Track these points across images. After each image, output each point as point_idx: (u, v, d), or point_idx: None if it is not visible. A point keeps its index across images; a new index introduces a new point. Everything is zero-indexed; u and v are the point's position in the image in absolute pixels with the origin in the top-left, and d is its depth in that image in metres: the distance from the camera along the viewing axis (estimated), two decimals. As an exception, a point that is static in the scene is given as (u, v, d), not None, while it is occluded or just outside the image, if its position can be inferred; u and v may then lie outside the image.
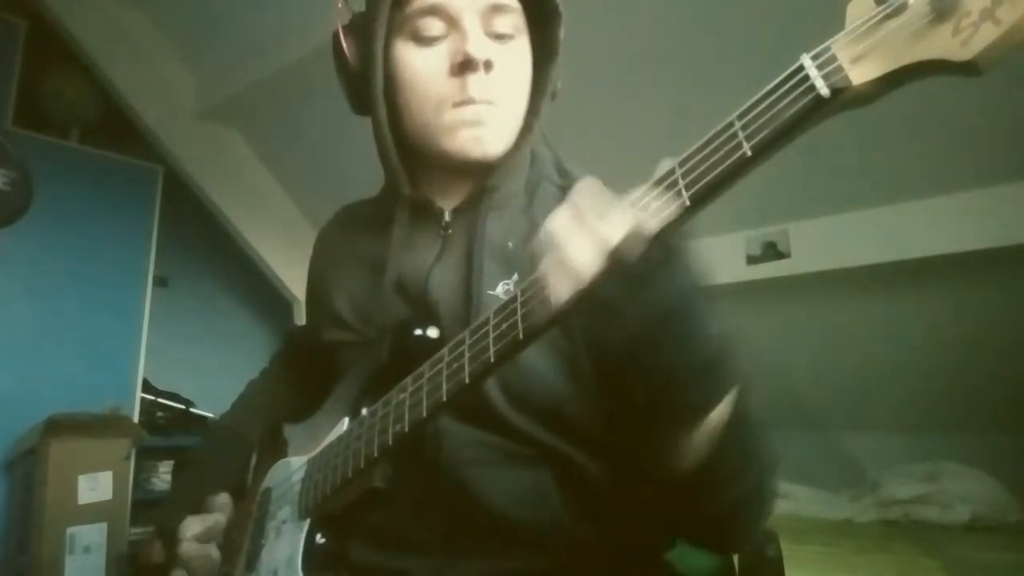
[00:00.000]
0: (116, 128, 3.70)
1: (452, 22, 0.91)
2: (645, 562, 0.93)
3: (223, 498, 1.07)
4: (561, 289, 0.62)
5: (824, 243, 2.76)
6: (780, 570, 1.22)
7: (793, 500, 3.09)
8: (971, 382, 2.91)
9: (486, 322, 0.72)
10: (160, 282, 3.83)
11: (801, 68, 0.54)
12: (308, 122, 3.48)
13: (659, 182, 0.62)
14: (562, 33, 0.98)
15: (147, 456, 3.47)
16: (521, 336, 0.68)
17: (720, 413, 0.70)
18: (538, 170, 1.03)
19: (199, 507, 1.06)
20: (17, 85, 3.33)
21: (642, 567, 0.88)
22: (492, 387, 0.86)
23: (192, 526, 1.02)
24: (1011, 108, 2.12)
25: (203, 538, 1.02)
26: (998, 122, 2.21)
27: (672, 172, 0.61)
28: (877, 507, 2.91)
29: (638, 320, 0.63)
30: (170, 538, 1.03)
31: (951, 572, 2.12)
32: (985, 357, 2.82)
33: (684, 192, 0.59)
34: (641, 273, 0.61)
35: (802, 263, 2.81)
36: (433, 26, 0.91)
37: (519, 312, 0.68)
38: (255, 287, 4.38)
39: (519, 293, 0.69)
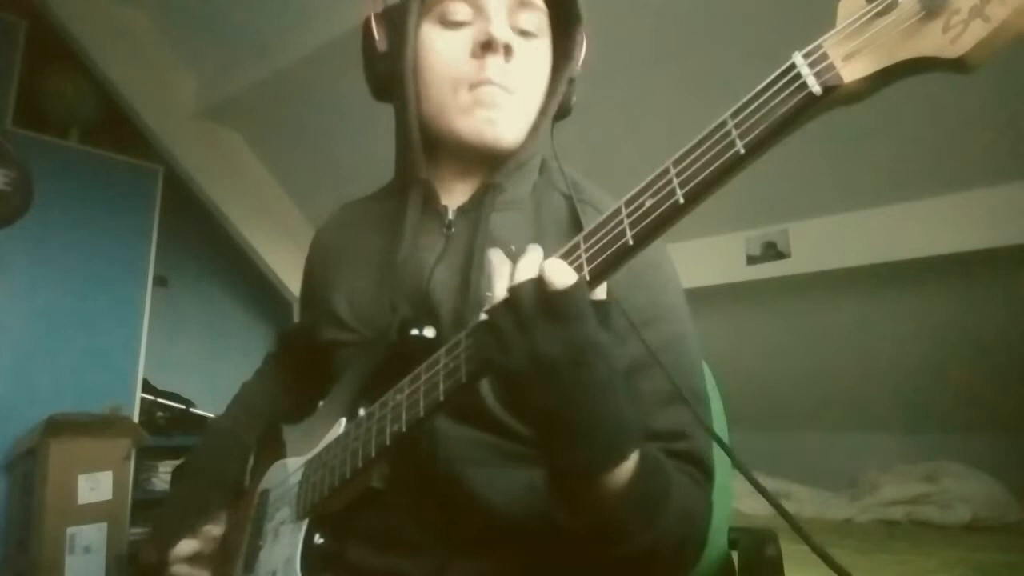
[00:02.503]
0: (116, 128, 3.71)
1: (479, 8, 0.92)
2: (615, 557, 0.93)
3: (216, 514, 1.07)
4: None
5: (824, 243, 2.76)
6: (780, 570, 1.22)
7: (793, 500, 3.09)
8: (971, 382, 2.91)
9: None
10: (160, 282, 3.83)
11: (793, 66, 0.54)
12: (308, 122, 3.48)
13: (654, 181, 0.62)
14: (583, 40, 0.99)
15: (147, 456, 3.47)
16: None
17: (624, 469, 0.70)
18: (547, 179, 1.03)
19: (194, 521, 1.06)
20: (17, 85, 3.33)
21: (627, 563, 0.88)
22: (485, 387, 0.86)
23: (186, 546, 1.02)
24: (1011, 108, 2.12)
25: (196, 559, 1.02)
26: (998, 122, 2.21)
27: (667, 171, 0.61)
28: (877, 507, 2.91)
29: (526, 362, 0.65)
30: (163, 558, 1.04)
31: (951, 572, 2.12)
32: (985, 357, 2.82)
33: (678, 190, 0.59)
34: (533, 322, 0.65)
35: (802, 263, 2.82)
36: (460, 11, 0.93)
37: None
38: (255, 287, 4.39)
39: None
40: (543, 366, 0.64)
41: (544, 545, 0.87)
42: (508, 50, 0.91)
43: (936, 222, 2.53)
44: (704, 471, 0.86)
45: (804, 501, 3.08)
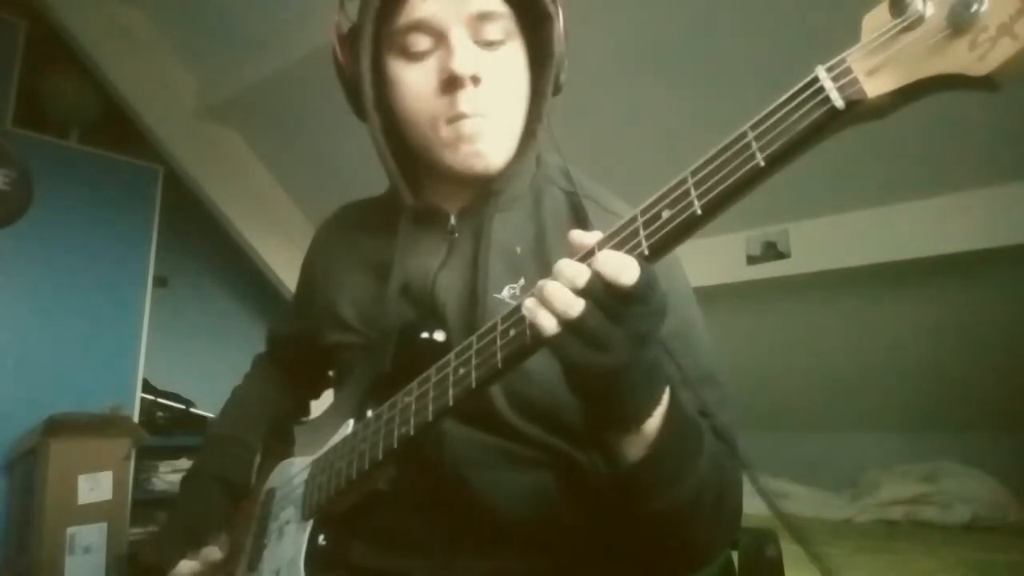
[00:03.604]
0: (116, 128, 3.69)
1: (439, 36, 0.90)
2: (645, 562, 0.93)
3: (220, 527, 1.08)
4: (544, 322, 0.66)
5: (824, 243, 2.76)
6: (780, 570, 1.23)
7: (793, 500, 3.09)
8: (971, 382, 2.92)
9: (494, 327, 0.72)
10: (160, 282, 3.82)
11: (816, 80, 0.54)
12: (308, 122, 3.47)
13: (671, 191, 0.62)
14: (558, 34, 0.96)
15: (147, 456, 3.46)
16: (529, 341, 0.68)
17: (656, 418, 0.72)
18: (544, 174, 1.02)
19: (197, 536, 1.06)
20: (17, 85, 3.32)
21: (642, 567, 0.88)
22: (495, 390, 0.86)
23: (187, 566, 1.02)
24: (1011, 108, 2.12)
25: None
26: (998, 122, 2.21)
27: (684, 181, 0.61)
28: (877, 507, 2.92)
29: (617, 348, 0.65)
30: (162, 563, 1.04)
31: (951, 572, 2.13)
32: (985, 357, 2.83)
33: (696, 201, 0.59)
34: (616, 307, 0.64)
35: (802, 263, 2.82)
36: (420, 41, 0.90)
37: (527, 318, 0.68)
38: (255, 287, 4.37)
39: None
40: (639, 346, 0.66)
41: (547, 546, 0.87)
42: (475, 79, 0.89)
43: (936, 222, 2.53)
44: (730, 447, 0.86)
45: (804, 501, 3.08)
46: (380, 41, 0.94)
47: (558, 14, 0.96)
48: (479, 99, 0.89)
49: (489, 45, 0.92)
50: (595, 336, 0.63)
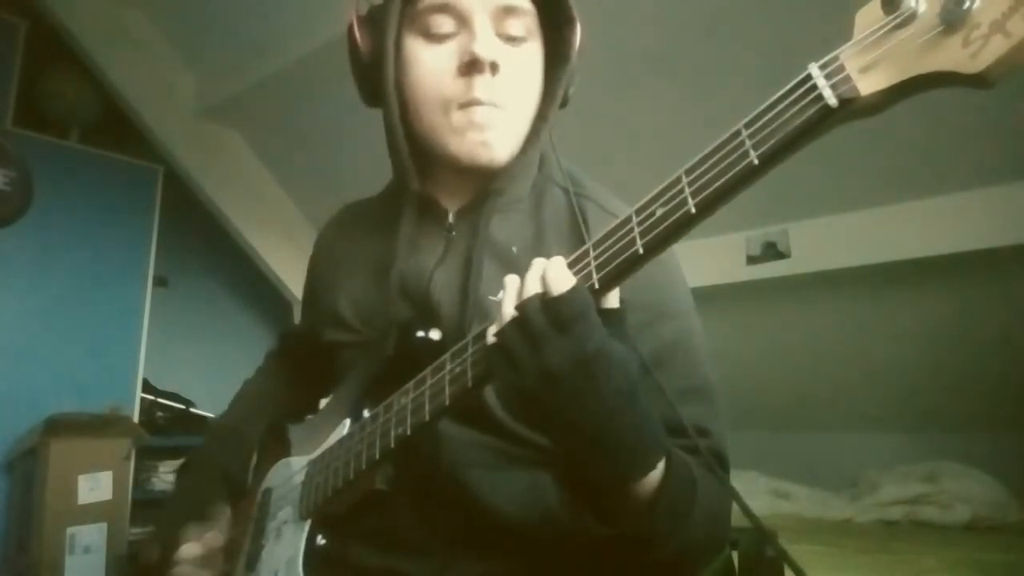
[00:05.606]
0: (116, 128, 3.70)
1: (462, 20, 0.90)
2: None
3: (221, 512, 1.07)
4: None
5: (824, 243, 2.76)
6: (780, 570, 1.22)
7: (793, 500, 3.09)
8: (971, 382, 2.91)
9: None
10: (160, 282, 3.82)
11: (809, 77, 0.54)
12: (308, 122, 3.47)
13: (666, 189, 0.62)
14: (577, 40, 0.96)
15: (147, 456, 3.47)
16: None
17: (652, 477, 0.71)
18: (546, 174, 1.02)
19: (198, 519, 1.06)
20: (17, 85, 3.33)
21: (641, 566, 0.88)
22: (488, 390, 0.86)
23: (190, 549, 1.02)
24: (1011, 108, 2.12)
25: (199, 563, 1.02)
26: (998, 122, 2.21)
27: (679, 179, 0.61)
28: (877, 507, 2.91)
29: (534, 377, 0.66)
30: (167, 557, 1.03)
31: (951, 572, 2.12)
32: (985, 357, 2.82)
33: (690, 200, 0.59)
34: (541, 334, 0.65)
35: (802, 263, 2.82)
36: (443, 23, 0.91)
37: None
38: (255, 287, 4.38)
39: None
40: (556, 381, 0.64)
41: (545, 546, 0.87)
42: (494, 67, 0.89)
43: (936, 222, 2.52)
44: (725, 467, 0.87)
45: (804, 501, 3.07)
46: (402, 20, 0.93)
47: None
48: (495, 88, 0.90)
49: (511, 40, 0.92)
50: (510, 354, 0.66)
